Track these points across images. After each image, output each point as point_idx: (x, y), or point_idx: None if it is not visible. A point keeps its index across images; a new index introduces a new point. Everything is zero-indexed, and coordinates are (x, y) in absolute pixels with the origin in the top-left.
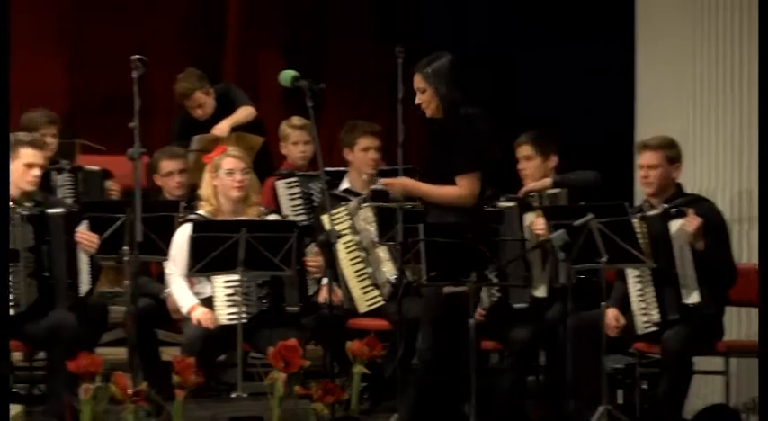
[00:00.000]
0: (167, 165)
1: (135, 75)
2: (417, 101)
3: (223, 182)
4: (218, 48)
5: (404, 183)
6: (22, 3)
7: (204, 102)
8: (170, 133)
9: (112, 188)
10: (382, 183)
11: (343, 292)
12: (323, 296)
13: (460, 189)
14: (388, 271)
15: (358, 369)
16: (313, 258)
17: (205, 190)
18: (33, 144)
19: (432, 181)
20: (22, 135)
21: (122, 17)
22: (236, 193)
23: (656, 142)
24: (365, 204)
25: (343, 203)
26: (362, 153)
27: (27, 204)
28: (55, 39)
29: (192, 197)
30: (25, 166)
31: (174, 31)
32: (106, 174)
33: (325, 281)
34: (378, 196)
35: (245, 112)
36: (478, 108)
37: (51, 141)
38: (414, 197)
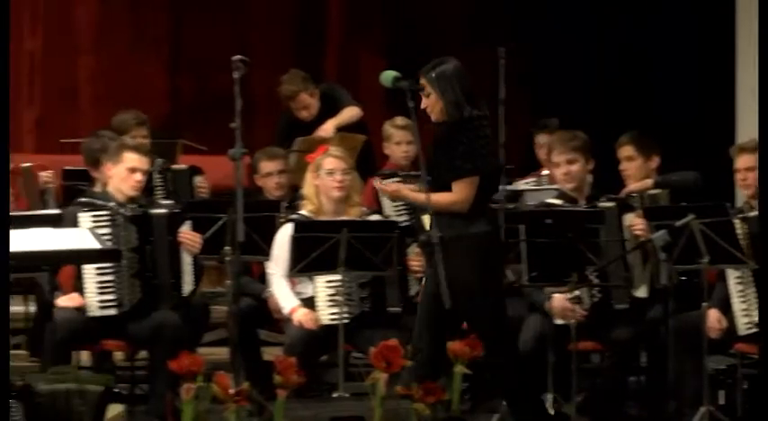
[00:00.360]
0: (267, 166)
1: (236, 75)
2: (423, 105)
3: (324, 182)
4: (319, 48)
5: (399, 189)
6: (123, 4)
7: (309, 103)
8: (274, 134)
9: (201, 185)
10: (378, 186)
11: (445, 292)
12: None
13: (454, 194)
14: None
15: (459, 369)
16: (416, 258)
17: (307, 190)
18: (137, 149)
19: (434, 186)
20: (127, 139)
21: (223, 17)
22: (336, 194)
23: (753, 145)
24: None
25: None
26: None
27: (130, 205)
28: (156, 40)
29: (293, 197)
30: (128, 171)
31: (276, 31)
32: (194, 171)
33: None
34: None
35: (350, 113)
36: (483, 111)
37: (143, 142)
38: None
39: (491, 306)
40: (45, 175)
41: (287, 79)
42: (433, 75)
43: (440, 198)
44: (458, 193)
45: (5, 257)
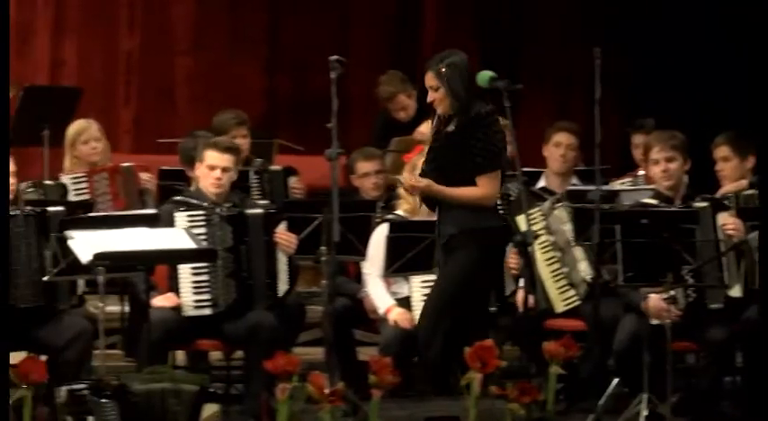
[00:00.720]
0: (364, 166)
1: (333, 75)
2: (429, 98)
3: None
4: (415, 48)
5: (430, 185)
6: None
7: (407, 104)
8: (370, 134)
9: (295, 186)
10: (405, 180)
11: (539, 293)
12: (520, 297)
13: (483, 189)
14: (584, 270)
15: (554, 369)
16: (512, 257)
17: (403, 189)
18: (216, 146)
19: (447, 181)
20: (208, 137)
21: (320, 17)
22: None
23: None
24: (558, 204)
25: (538, 203)
26: (554, 148)
27: (226, 205)
28: (253, 40)
29: (389, 197)
30: (208, 168)
31: (372, 31)
32: (289, 172)
33: (522, 282)
34: (573, 196)
35: None
36: (490, 106)
37: (242, 142)
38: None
39: (486, 298)
40: (145, 177)
41: (385, 80)
42: (442, 68)
43: (469, 193)
44: (485, 188)
45: (5, 257)
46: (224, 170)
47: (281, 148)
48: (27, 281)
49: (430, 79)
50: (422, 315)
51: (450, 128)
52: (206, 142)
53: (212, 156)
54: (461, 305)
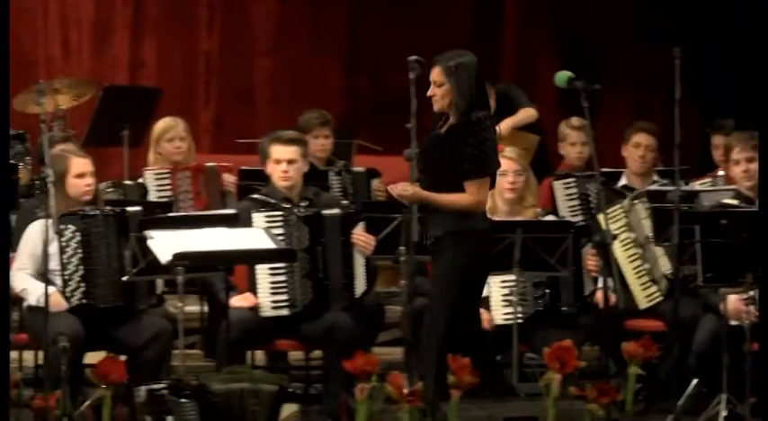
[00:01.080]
0: None
1: (412, 75)
2: (430, 93)
3: (497, 182)
4: (495, 47)
5: (417, 193)
6: (301, 3)
7: None
8: None
9: (379, 188)
10: (391, 190)
11: (620, 292)
12: (599, 297)
13: (471, 196)
14: (665, 265)
15: (633, 370)
16: (592, 257)
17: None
18: (280, 139)
19: (433, 182)
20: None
21: (400, 17)
22: (508, 195)
23: None
24: (636, 201)
25: (619, 200)
26: (633, 149)
27: (302, 204)
28: (334, 39)
29: None
30: (274, 163)
31: (452, 30)
32: (372, 174)
33: (600, 282)
34: (653, 197)
35: (525, 114)
36: (487, 111)
37: (325, 143)
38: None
39: (477, 300)
40: (229, 179)
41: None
42: (452, 66)
43: (458, 200)
44: (473, 195)
45: (6, 258)
46: (290, 162)
47: (360, 148)
48: (107, 281)
49: (436, 74)
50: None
51: (443, 129)
52: (270, 137)
53: (277, 150)
54: (453, 308)
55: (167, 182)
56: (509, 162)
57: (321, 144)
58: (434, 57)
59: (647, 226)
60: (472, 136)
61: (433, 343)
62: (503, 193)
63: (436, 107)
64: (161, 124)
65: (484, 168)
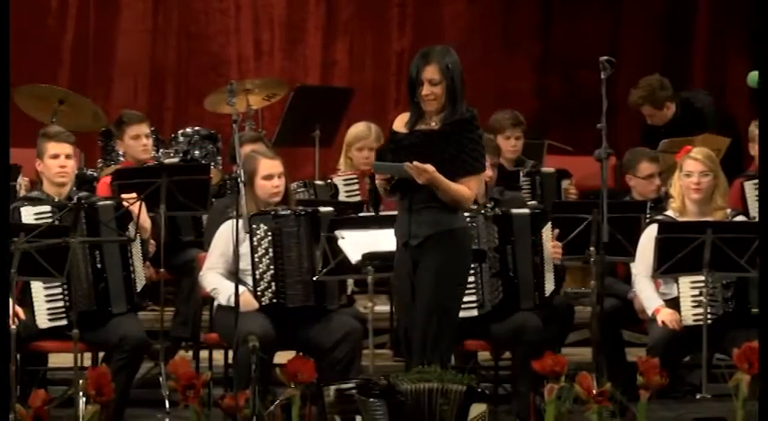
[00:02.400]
0: (648, 167)
1: (603, 76)
2: (426, 92)
3: (684, 182)
4: (687, 48)
5: (433, 173)
6: (492, 2)
7: (652, 113)
8: (638, 134)
9: (570, 189)
10: (412, 165)
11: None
12: None
13: (472, 190)
14: None
15: None
16: None
17: (673, 189)
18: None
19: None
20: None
21: (591, 17)
22: (693, 195)
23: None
24: None
25: None
26: None
27: (488, 205)
28: (524, 39)
29: (658, 198)
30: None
31: (643, 31)
32: (562, 175)
33: None
34: None
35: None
36: (474, 109)
37: (516, 144)
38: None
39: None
40: None
41: (636, 89)
42: (448, 64)
43: (462, 191)
44: (474, 189)
45: (6, 258)
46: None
47: (550, 148)
48: (298, 280)
49: (433, 72)
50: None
51: (433, 125)
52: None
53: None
54: (447, 306)
55: (356, 187)
56: (695, 163)
57: (512, 145)
58: (426, 54)
59: None
60: (475, 131)
61: (446, 334)
62: (689, 194)
63: (432, 107)
64: (354, 130)
65: (483, 163)
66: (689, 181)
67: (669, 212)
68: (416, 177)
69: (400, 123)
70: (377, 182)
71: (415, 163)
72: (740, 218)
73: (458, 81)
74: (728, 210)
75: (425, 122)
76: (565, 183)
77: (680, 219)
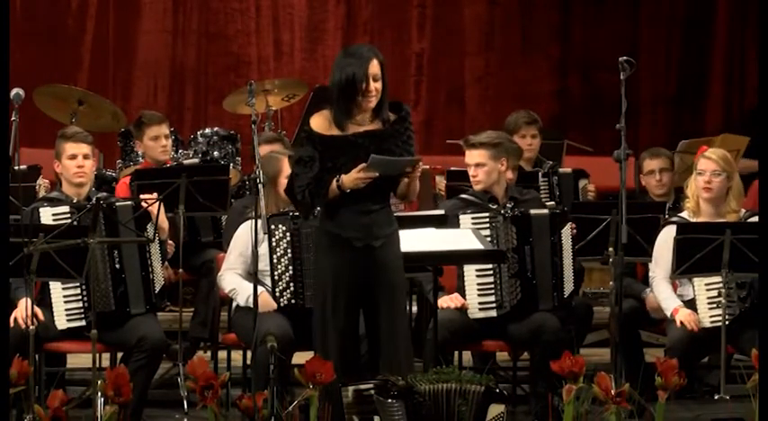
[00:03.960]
0: (649, 163)
1: (622, 76)
2: (372, 88)
3: (696, 181)
4: (706, 46)
5: None
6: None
7: None
8: (657, 134)
9: (589, 189)
10: (416, 159)
11: None
12: None
13: None
14: None
15: None
16: None
17: (689, 188)
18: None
19: (394, 177)
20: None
21: (610, 18)
22: (704, 195)
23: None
24: None
25: None
26: None
27: (508, 205)
28: (544, 40)
29: (676, 198)
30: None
31: (662, 31)
32: (579, 175)
33: None
34: None
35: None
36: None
37: (532, 142)
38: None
39: None
40: (440, 185)
41: None
42: (383, 59)
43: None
44: None
45: (6, 259)
46: (477, 166)
47: (570, 149)
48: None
49: (377, 67)
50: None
51: (377, 125)
52: (464, 140)
53: (466, 154)
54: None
55: None
56: (707, 162)
57: (528, 143)
58: (365, 52)
59: None
60: (411, 127)
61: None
62: (700, 193)
63: (372, 103)
64: None
65: None
66: (700, 179)
67: (684, 213)
68: (413, 172)
69: (324, 126)
70: (357, 181)
71: (417, 157)
72: (755, 218)
73: (386, 77)
74: (743, 211)
75: (356, 122)
76: (582, 183)
77: (692, 220)
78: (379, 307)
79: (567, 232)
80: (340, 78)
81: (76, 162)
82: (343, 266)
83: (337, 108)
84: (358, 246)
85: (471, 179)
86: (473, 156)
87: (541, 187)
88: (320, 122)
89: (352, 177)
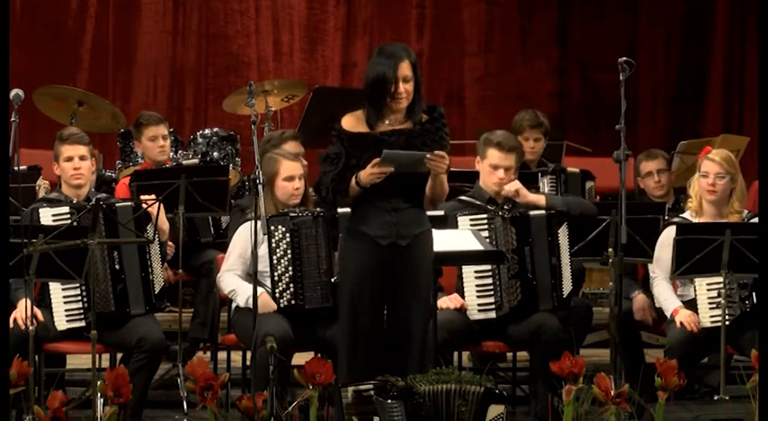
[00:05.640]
0: (647, 165)
1: (622, 77)
2: (402, 89)
3: (700, 183)
4: (706, 47)
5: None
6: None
7: None
8: (656, 135)
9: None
10: (436, 154)
11: None
12: None
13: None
14: None
15: None
16: None
17: (691, 189)
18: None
19: (421, 177)
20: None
21: (609, 18)
22: (709, 197)
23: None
24: None
25: None
26: None
27: (506, 207)
28: (543, 40)
29: (677, 199)
30: (491, 167)
31: (661, 31)
32: (586, 176)
33: None
34: None
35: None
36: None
37: (535, 145)
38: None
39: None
40: None
41: None
42: (415, 61)
43: (447, 187)
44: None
45: (5, 259)
46: (506, 170)
47: (569, 149)
48: (316, 282)
49: (408, 69)
50: (417, 332)
51: (405, 124)
52: (488, 138)
53: (495, 156)
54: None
55: None
56: (712, 164)
57: (530, 146)
58: (396, 51)
59: None
60: (446, 127)
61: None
62: (704, 195)
63: (403, 104)
64: None
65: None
66: (704, 182)
67: (686, 213)
68: (435, 167)
69: (354, 124)
70: (372, 176)
71: (437, 152)
72: (756, 219)
73: (419, 77)
74: (745, 213)
75: (389, 121)
76: (589, 184)
77: (695, 221)
78: (404, 305)
79: (563, 231)
80: (371, 77)
81: (73, 164)
82: (369, 264)
83: (368, 107)
84: (383, 245)
85: (497, 180)
86: (509, 159)
87: (549, 186)
88: (350, 121)
89: (367, 172)
